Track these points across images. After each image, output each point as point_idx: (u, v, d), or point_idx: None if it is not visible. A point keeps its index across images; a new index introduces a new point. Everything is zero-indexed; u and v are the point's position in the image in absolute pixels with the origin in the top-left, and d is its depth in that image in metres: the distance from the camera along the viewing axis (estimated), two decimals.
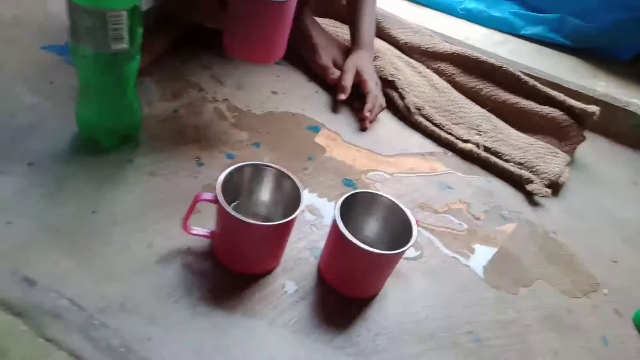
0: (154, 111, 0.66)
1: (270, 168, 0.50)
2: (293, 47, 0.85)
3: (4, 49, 0.69)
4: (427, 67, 0.90)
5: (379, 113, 0.79)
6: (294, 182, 0.48)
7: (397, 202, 0.50)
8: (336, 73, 0.81)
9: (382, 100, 0.80)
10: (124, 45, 0.50)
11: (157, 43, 0.73)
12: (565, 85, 0.92)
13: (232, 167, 0.48)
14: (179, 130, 0.65)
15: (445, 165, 0.74)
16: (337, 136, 0.73)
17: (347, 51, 0.86)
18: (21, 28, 0.73)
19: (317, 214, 0.59)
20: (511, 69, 0.86)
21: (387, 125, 0.80)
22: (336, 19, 0.97)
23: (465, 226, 0.64)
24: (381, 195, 0.50)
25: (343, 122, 0.76)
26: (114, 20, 0.48)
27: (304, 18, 0.85)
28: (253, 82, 0.78)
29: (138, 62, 0.54)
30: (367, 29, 0.84)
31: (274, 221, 0.44)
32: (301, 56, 0.85)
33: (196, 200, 0.45)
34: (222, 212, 0.44)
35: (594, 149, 0.89)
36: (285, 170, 0.49)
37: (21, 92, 0.62)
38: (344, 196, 0.48)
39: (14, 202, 0.49)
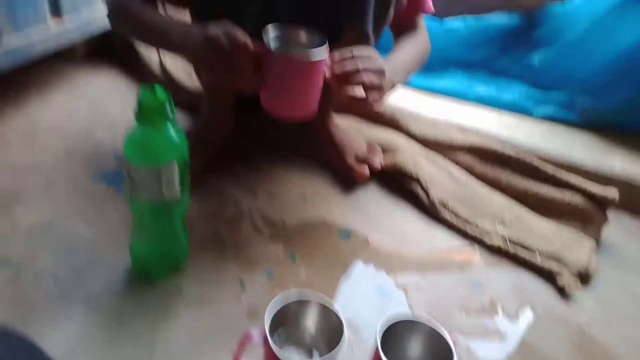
0: (197, 233, 0.71)
1: (313, 302, 0.53)
2: (318, 150, 0.92)
3: (61, 183, 0.76)
4: (446, 159, 0.95)
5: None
6: (337, 316, 0.51)
7: (435, 327, 0.52)
8: (361, 170, 0.86)
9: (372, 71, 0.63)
10: (176, 192, 0.56)
11: (195, 165, 0.79)
12: (582, 167, 0.95)
13: (277, 302, 0.51)
14: (220, 250, 0.70)
15: (475, 261, 0.77)
16: (366, 241, 0.77)
17: (370, 147, 0.91)
18: (73, 160, 0.81)
19: (356, 330, 0.61)
20: (528, 159, 0.90)
21: (413, 221, 0.83)
22: (355, 115, 1.04)
23: (499, 327, 0.66)
24: (420, 322, 0.53)
25: (372, 224, 0.80)
26: (167, 173, 0.54)
27: (326, 123, 0.91)
28: (284, 189, 0.84)
29: (187, 200, 0.60)
30: (400, 57, 0.77)
31: (318, 353, 0.47)
32: (327, 159, 0.91)
33: (245, 340, 0.49)
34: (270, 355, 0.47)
35: (619, 228, 0.90)
36: (328, 304, 0.52)
37: (78, 227, 0.68)
38: (384, 325, 0.51)
39: (78, 346, 0.53)
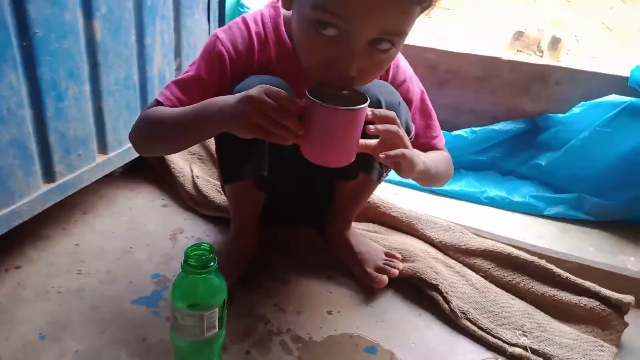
0: (229, 357, 0.74)
1: None
2: (339, 259, 0.98)
3: (104, 307, 0.81)
4: (464, 265, 0.99)
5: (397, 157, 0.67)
6: None
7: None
8: (381, 278, 0.91)
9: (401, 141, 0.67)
10: (215, 331, 0.61)
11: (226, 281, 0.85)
12: (595, 267, 0.98)
13: None
14: None
15: None
16: (391, 356, 0.79)
17: (389, 255, 0.96)
18: (115, 283, 0.87)
19: None
20: (543, 263, 0.94)
21: (435, 331, 0.86)
22: (375, 222, 1.10)
23: None
24: None
25: (396, 337, 0.83)
26: (209, 316, 0.59)
27: (344, 232, 0.97)
28: (310, 304, 0.88)
29: (224, 334, 0.65)
30: (427, 158, 0.77)
31: None
32: (347, 269, 0.95)
33: None
34: None
35: (638, 328, 0.92)
36: None
37: (120, 356, 0.73)
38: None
39: None
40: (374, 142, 0.66)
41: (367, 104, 0.61)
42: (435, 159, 0.82)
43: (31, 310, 0.80)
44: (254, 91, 0.61)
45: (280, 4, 0.78)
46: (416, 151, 0.71)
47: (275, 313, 0.85)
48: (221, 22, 1.30)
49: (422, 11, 0.62)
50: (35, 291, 0.83)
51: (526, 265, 0.95)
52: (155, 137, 0.76)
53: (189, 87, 0.76)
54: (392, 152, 0.65)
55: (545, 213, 1.14)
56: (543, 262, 0.94)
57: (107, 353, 0.73)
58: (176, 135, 0.74)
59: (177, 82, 0.77)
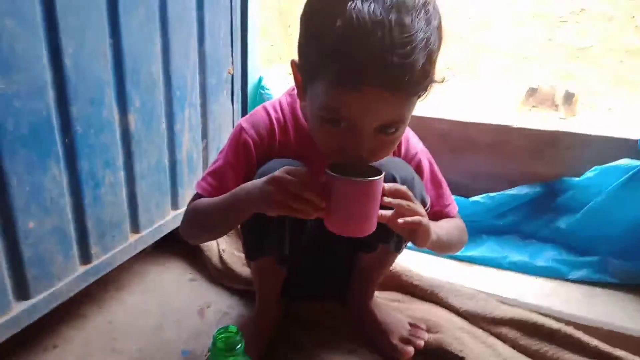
0: None
1: None
2: (361, 330, 0.98)
3: None
4: (490, 334, 0.98)
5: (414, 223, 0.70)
6: None
7: None
8: (406, 350, 0.91)
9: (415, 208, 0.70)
10: None
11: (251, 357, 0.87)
12: (627, 333, 0.96)
13: None
14: None
15: None
16: None
17: (413, 326, 0.96)
18: None
19: None
20: (570, 331, 0.92)
21: None
22: (397, 291, 1.11)
23: None
24: None
25: None
26: None
27: (367, 303, 0.98)
28: None
29: None
30: (440, 227, 0.81)
31: None
32: (371, 341, 0.96)
33: None
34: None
35: None
36: None
37: None
38: None
39: None
40: (389, 212, 0.70)
41: (382, 176, 0.65)
42: (447, 227, 0.85)
43: None
44: (277, 172, 0.67)
45: (295, 92, 0.86)
46: (431, 222, 0.74)
47: None
48: (244, 102, 1.39)
49: (419, 98, 0.67)
50: None
51: (553, 334, 0.94)
52: (200, 226, 0.84)
53: (222, 176, 0.83)
54: (409, 219, 0.68)
55: (570, 277, 1.13)
56: (570, 330, 0.93)
57: None
58: (216, 222, 0.80)
59: (210, 173, 0.84)
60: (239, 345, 0.62)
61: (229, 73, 1.28)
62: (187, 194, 1.19)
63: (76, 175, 0.87)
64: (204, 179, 0.85)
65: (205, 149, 1.24)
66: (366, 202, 0.66)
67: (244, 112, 1.42)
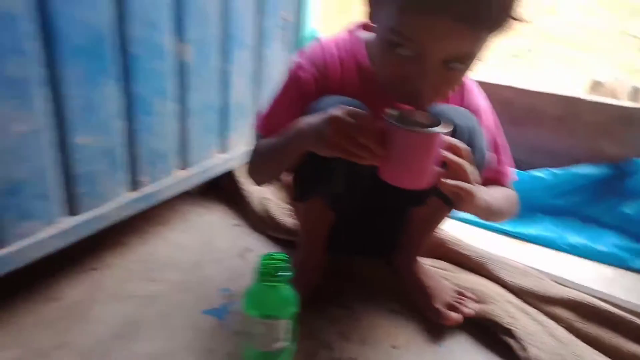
0: None
1: None
2: (407, 293, 0.94)
3: (174, 315, 0.83)
4: (542, 312, 0.92)
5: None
6: None
7: None
8: (452, 316, 0.86)
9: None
10: (284, 343, 0.60)
11: None
12: None
13: None
14: None
15: None
16: None
17: (460, 293, 0.91)
18: (185, 293, 0.89)
19: None
20: (634, 319, 0.85)
21: None
22: (444, 260, 1.05)
23: None
24: None
25: None
26: (279, 328, 0.59)
27: (414, 267, 0.94)
28: (375, 336, 0.85)
29: (293, 349, 0.63)
30: (490, 194, 0.74)
31: None
32: (414, 303, 0.92)
33: None
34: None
35: None
36: None
37: None
38: None
39: None
40: (439, 169, 0.65)
41: (445, 130, 0.61)
42: (498, 197, 0.80)
43: (106, 310, 0.83)
44: (335, 111, 0.63)
45: (356, 28, 0.82)
46: (480, 187, 0.69)
47: (339, 341, 0.82)
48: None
49: (492, 35, 0.62)
50: (110, 293, 0.87)
51: (612, 320, 0.87)
52: (262, 166, 0.83)
53: (280, 115, 0.80)
54: (460, 183, 0.64)
55: (632, 265, 1.05)
56: (634, 319, 0.86)
57: (176, 359, 0.74)
58: (275, 161, 0.79)
59: (269, 113, 0.83)
60: (285, 272, 0.59)
61: (285, 20, 1.24)
62: (236, 138, 1.17)
63: (129, 98, 0.86)
64: (260, 120, 0.84)
65: (256, 96, 1.21)
66: (425, 155, 0.63)
67: None
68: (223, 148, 1.15)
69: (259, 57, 1.17)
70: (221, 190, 1.26)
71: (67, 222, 0.81)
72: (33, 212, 0.75)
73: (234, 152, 1.17)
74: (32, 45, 0.67)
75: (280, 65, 1.27)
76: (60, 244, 0.81)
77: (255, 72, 1.18)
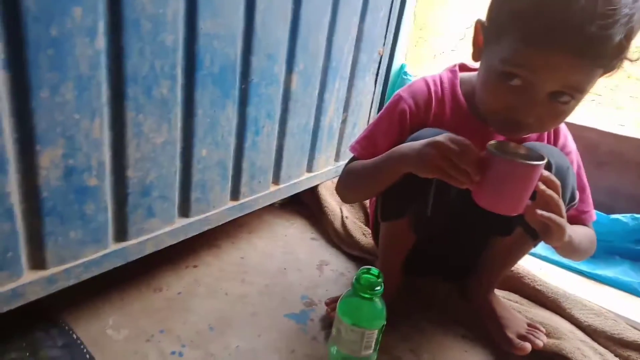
0: None
1: None
2: (479, 321, 0.97)
3: (262, 315, 0.92)
4: (616, 355, 0.92)
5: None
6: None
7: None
8: (523, 345, 0.88)
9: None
10: (370, 352, 0.67)
11: None
12: None
13: None
14: None
15: None
16: None
17: (531, 326, 0.93)
18: (271, 296, 0.98)
19: None
20: None
21: None
22: (518, 294, 1.07)
23: None
24: None
25: None
26: (369, 336, 0.65)
27: (488, 296, 0.97)
28: (445, 356, 0.89)
29: (375, 358, 0.70)
30: (573, 230, 0.75)
31: None
32: (486, 331, 0.95)
33: None
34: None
35: None
36: None
37: (273, 359, 0.82)
38: None
39: None
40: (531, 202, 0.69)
41: (544, 162, 0.65)
42: (580, 234, 0.82)
43: (204, 304, 0.93)
44: (440, 137, 0.69)
45: (457, 68, 0.88)
46: (566, 222, 0.72)
47: (410, 357, 0.87)
48: (384, 85, 1.44)
49: (604, 73, 0.66)
50: (208, 289, 0.98)
51: None
52: (356, 185, 0.90)
53: (375, 140, 0.88)
54: (549, 215, 0.67)
55: None
56: None
57: (262, 355, 0.82)
58: (370, 181, 0.85)
59: (365, 137, 0.90)
60: (379, 287, 0.66)
61: (379, 54, 1.33)
62: (322, 159, 1.26)
63: (244, 118, 0.98)
64: (358, 142, 0.91)
65: (344, 121, 1.31)
66: (522, 184, 0.66)
67: (383, 94, 1.46)
68: (310, 167, 1.25)
69: (351, 87, 1.27)
70: (301, 204, 1.35)
71: (180, 222, 0.93)
72: (156, 211, 0.87)
73: (319, 171, 1.27)
74: (178, 71, 0.80)
75: (368, 96, 1.36)
76: (172, 241, 0.93)
77: (346, 99, 1.27)
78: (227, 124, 0.94)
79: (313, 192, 1.33)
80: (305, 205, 1.36)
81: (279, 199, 1.18)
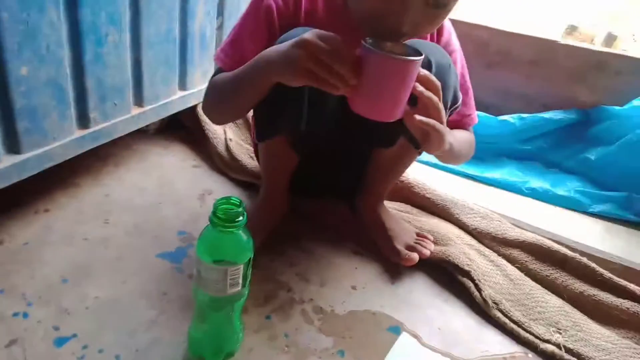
0: (249, 319, 0.72)
1: None
2: (368, 235, 0.94)
3: (128, 258, 0.81)
4: (499, 254, 0.94)
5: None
6: None
7: None
8: (411, 256, 0.87)
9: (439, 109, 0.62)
10: (238, 289, 0.59)
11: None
12: None
13: None
14: (271, 338, 0.71)
15: None
16: (415, 339, 0.76)
17: (420, 235, 0.92)
18: (141, 236, 0.86)
19: None
20: (584, 260, 0.88)
21: (463, 319, 0.82)
22: (408, 203, 1.05)
23: None
24: None
25: (421, 319, 0.80)
26: (233, 273, 0.57)
27: (377, 208, 0.94)
28: (334, 277, 0.85)
29: (247, 293, 0.63)
30: (454, 136, 0.73)
31: None
32: (376, 245, 0.92)
33: None
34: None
35: None
36: None
37: (140, 307, 0.72)
38: None
39: None
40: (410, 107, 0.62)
41: (422, 57, 0.58)
42: (461, 140, 0.79)
43: (56, 253, 0.80)
44: (307, 35, 0.58)
45: None
46: (447, 128, 0.67)
47: (297, 282, 0.82)
48: None
49: None
50: (61, 236, 0.83)
51: (566, 261, 0.90)
52: (221, 102, 0.77)
53: (241, 45, 0.74)
54: (427, 120, 0.61)
55: (590, 210, 1.07)
56: (584, 260, 0.89)
57: (126, 302, 0.72)
58: (236, 97, 0.73)
59: (228, 43, 0.76)
60: (240, 218, 0.56)
61: None
62: (197, 74, 1.10)
63: (77, 25, 0.78)
64: (222, 49, 0.78)
65: (220, 28, 1.13)
66: (400, 83, 0.59)
67: None
68: (184, 84, 1.08)
69: None
70: (182, 129, 1.20)
71: (10, 159, 0.76)
72: None
73: (195, 89, 1.11)
74: None
75: None
76: (4, 183, 0.76)
77: (220, 0, 1.09)
78: (53, 32, 0.74)
79: (194, 113, 1.18)
80: (187, 130, 1.21)
81: (147, 122, 1.02)
